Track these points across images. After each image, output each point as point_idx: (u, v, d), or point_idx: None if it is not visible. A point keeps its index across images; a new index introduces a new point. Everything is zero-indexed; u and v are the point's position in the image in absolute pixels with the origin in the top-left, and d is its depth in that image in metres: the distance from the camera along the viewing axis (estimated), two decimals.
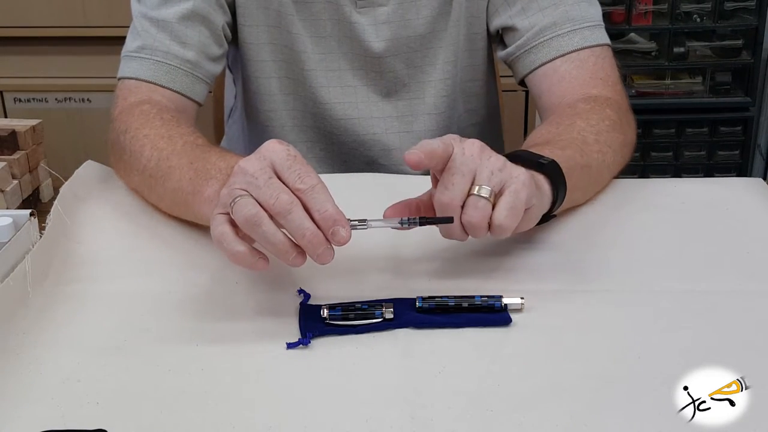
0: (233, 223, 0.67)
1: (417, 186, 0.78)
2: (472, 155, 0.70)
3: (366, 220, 0.70)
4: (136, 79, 0.97)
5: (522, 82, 1.07)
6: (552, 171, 0.77)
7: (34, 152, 1.03)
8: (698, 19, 2.09)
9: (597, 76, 1.00)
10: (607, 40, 1.03)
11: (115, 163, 0.94)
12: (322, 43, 1.07)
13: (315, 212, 0.66)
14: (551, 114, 0.97)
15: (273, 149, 0.68)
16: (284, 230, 0.67)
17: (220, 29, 1.02)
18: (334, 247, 0.67)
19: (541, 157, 0.77)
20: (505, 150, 1.30)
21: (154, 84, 0.97)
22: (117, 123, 0.94)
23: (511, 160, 0.72)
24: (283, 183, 0.66)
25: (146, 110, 0.93)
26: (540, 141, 0.86)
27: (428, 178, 0.75)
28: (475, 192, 0.70)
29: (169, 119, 0.91)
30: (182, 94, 0.99)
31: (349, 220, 0.67)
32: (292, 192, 0.66)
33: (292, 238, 0.67)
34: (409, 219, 0.72)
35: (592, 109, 0.93)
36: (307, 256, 0.67)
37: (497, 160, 0.71)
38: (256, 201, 0.66)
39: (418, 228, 0.74)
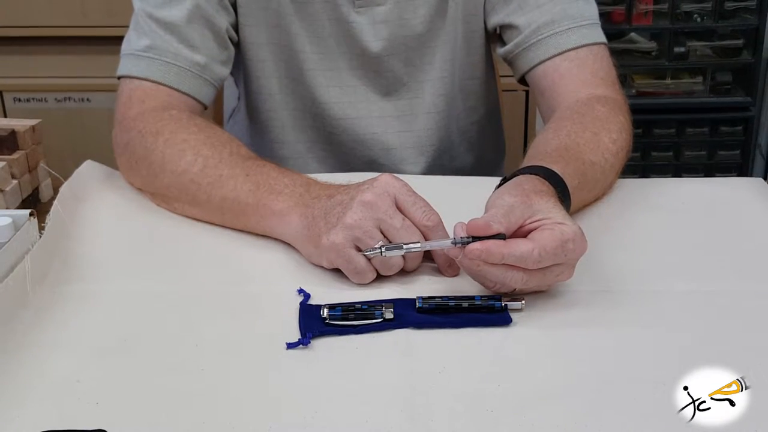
0: (357, 248, 0.75)
1: (415, 186, 0.78)
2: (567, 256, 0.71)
3: (418, 242, 0.74)
4: (145, 79, 0.97)
5: (522, 80, 1.07)
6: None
7: (34, 152, 1.03)
8: (698, 19, 2.09)
9: (598, 75, 1.00)
10: (605, 39, 1.03)
11: (134, 162, 0.93)
12: (320, 42, 1.07)
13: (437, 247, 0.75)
14: (559, 109, 0.97)
15: (392, 184, 0.76)
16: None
17: (224, 32, 1.02)
18: None
19: (564, 198, 0.78)
20: (506, 149, 1.30)
21: (167, 86, 0.97)
22: (139, 123, 0.93)
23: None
24: (406, 216, 0.75)
25: (176, 115, 0.93)
26: (563, 152, 0.86)
27: (426, 179, 0.75)
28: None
29: (204, 126, 0.92)
30: (192, 97, 0.99)
31: (404, 244, 0.73)
32: (417, 227, 0.75)
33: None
34: (462, 238, 0.71)
35: (609, 117, 0.93)
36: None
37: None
38: (388, 237, 0.74)
39: None
